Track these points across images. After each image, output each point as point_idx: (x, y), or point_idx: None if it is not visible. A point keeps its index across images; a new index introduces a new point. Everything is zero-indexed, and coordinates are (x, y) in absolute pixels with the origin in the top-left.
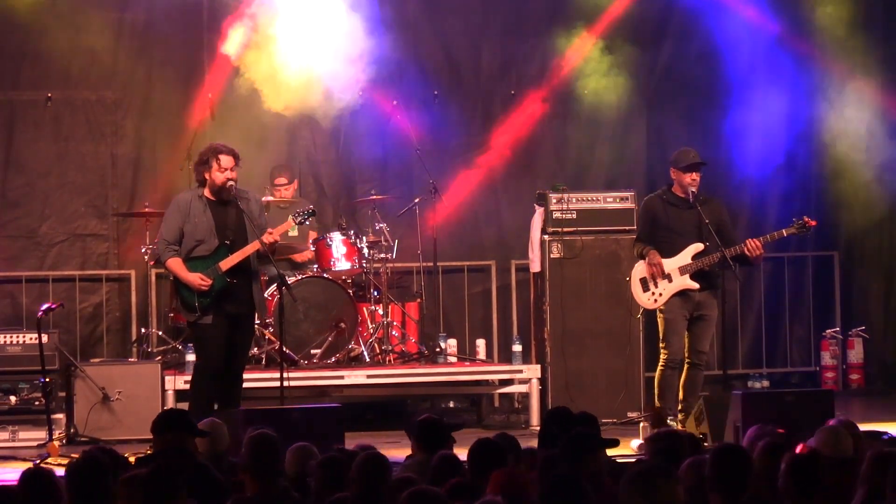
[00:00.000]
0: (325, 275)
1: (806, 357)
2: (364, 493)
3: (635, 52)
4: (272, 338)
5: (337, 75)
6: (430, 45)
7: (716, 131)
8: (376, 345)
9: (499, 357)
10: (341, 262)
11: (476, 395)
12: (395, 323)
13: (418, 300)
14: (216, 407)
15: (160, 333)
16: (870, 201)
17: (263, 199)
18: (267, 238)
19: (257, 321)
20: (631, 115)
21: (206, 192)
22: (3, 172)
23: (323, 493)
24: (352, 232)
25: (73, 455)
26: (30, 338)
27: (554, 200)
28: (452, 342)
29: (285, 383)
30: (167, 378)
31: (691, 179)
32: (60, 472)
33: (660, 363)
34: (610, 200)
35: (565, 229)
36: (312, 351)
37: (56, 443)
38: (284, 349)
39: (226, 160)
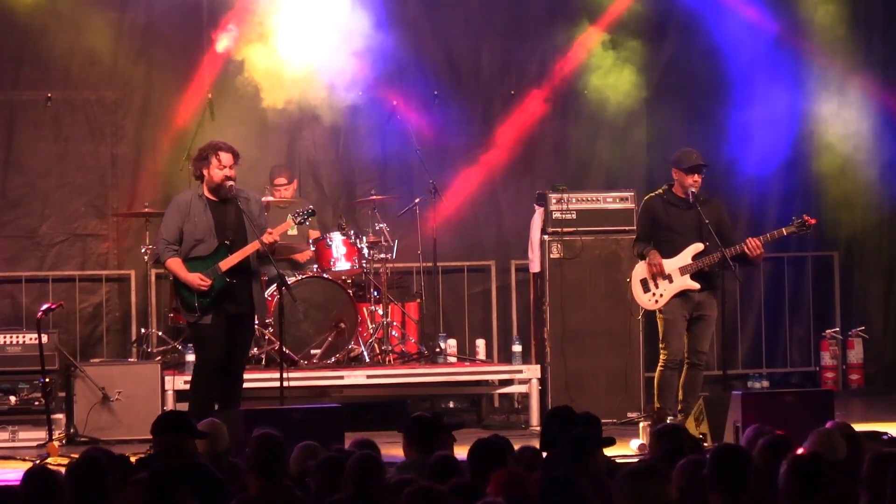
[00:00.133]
0: (324, 275)
1: (806, 357)
2: (357, 494)
3: (638, 46)
4: (272, 338)
5: (338, 72)
6: (430, 44)
7: (716, 131)
8: (376, 345)
9: (498, 357)
10: (341, 262)
11: (476, 395)
12: (394, 323)
13: (418, 300)
14: (216, 407)
15: (160, 333)
16: (870, 201)
17: (263, 199)
18: (267, 238)
19: (257, 321)
20: (632, 113)
21: (206, 192)
22: (3, 172)
23: (323, 493)
24: (352, 232)
25: (72, 455)
26: (30, 338)
27: (554, 200)
28: (452, 342)
29: (285, 383)
30: (167, 378)
31: (693, 181)
32: (60, 472)
33: (659, 363)
34: (610, 200)
35: (565, 229)
36: (312, 351)
37: (56, 443)
38: (284, 349)
39: (225, 157)
